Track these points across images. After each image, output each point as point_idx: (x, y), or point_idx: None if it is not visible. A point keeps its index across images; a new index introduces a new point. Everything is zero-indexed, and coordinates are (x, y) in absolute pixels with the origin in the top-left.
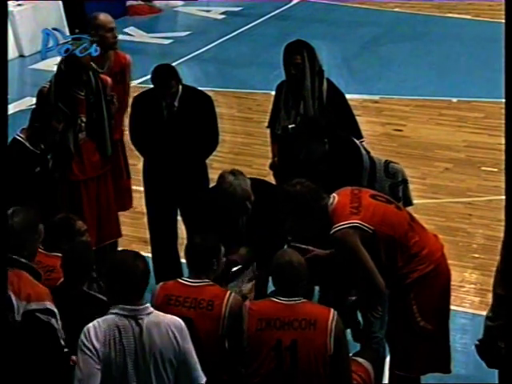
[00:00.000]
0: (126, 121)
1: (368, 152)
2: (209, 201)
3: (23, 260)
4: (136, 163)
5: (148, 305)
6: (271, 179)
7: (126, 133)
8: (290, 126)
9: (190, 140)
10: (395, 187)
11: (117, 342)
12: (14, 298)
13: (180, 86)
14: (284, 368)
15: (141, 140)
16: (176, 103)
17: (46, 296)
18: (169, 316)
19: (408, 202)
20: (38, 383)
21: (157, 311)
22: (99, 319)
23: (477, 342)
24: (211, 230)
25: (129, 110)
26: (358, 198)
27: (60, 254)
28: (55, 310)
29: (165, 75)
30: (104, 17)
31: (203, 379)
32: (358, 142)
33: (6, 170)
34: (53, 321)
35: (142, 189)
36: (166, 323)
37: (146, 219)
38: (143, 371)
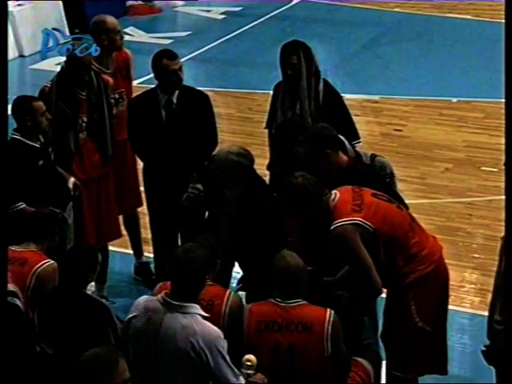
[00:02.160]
0: None
1: (353, 146)
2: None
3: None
4: (139, 163)
5: (190, 305)
6: None
7: None
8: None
9: (189, 140)
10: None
11: (136, 320)
12: None
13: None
14: (282, 370)
15: (140, 143)
16: (174, 100)
17: (9, 279)
18: (206, 326)
19: None
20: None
21: (202, 319)
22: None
23: (483, 348)
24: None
25: None
26: (360, 196)
27: (33, 249)
28: (17, 292)
29: (170, 50)
30: (111, 20)
31: None
32: (342, 137)
33: (8, 169)
34: (17, 301)
35: (142, 189)
36: (194, 330)
37: (146, 219)
38: (152, 359)
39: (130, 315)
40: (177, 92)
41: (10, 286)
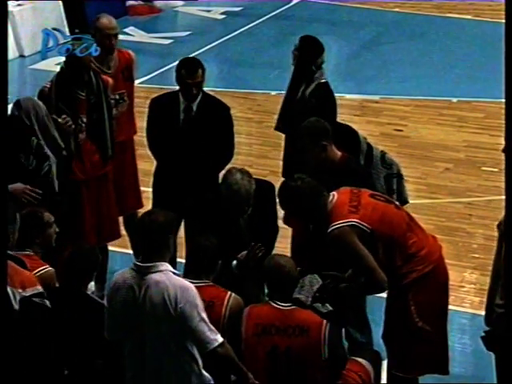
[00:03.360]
0: (138, 121)
1: (365, 138)
2: (212, 200)
3: (10, 252)
4: (140, 164)
5: (160, 263)
6: (271, 179)
7: (140, 134)
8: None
9: (204, 149)
10: (390, 178)
11: (118, 292)
12: (8, 288)
13: (200, 93)
14: (279, 373)
15: (156, 145)
16: (194, 107)
17: (36, 280)
18: (176, 279)
19: (403, 199)
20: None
21: (171, 273)
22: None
23: (483, 334)
24: (212, 228)
25: (139, 109)
26: (357, 197)
27: (29, 252)
28: (44, 292)
29: (193, 63)
30: (103, 20)
31: (212, 345)
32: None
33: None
34: (47, 302)
35: (143, 189)
36: (166, 284)
37: None
38: (138, 323)
39: (110, 288)
40: (198, 99)
41: (39, 288)
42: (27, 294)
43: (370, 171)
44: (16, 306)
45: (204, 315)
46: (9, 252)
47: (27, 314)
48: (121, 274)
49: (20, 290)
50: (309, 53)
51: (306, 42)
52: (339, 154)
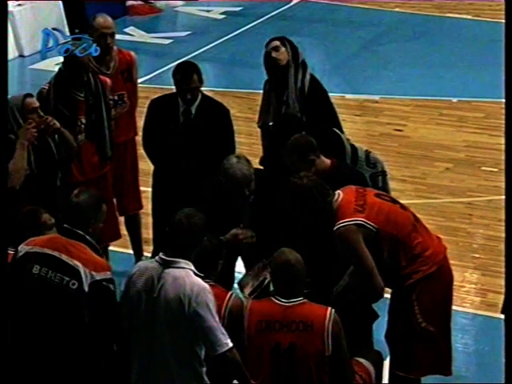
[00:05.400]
0: (139, 121)
1: (348, 139)
2: (212, 188)
3: (88, 237)
4: (140, 164)
5: (184, 261)
6: None
7: (140, 134)
8: (270, 124)
9: (202, 151)
10: (375, 177)
11: (136, 280)
12: (81, 268)
13: (200, 94)
14: (282, 370)
15: (153, 147)
16: (193, 110)
17: (108, 267)
18: (195, 279)
19: None
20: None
21: (191, 272)
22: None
23: None
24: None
25: (139, 109)
26: (362, 196)
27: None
28: (113, 278)
29: (188, 68)
30: (99, 19)
31: (223, 348)
32: (337, 130)
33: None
34: (112, 287)
35: (143, 189)
36: (184, 280)
37: (147, 219)
38: (151, 316)
39: (130, 275)
40: (197, 102)
41: (109, 274)
42: (99, 278)
43: (362, 172)
44: (85, 286)
45: (217, 318)
46: (89, 239)
47: (97, 296)
48: (144, 263)
49: (93, 273)
50: (297, 52)
51: (290, 41)
52: (328, 162)
